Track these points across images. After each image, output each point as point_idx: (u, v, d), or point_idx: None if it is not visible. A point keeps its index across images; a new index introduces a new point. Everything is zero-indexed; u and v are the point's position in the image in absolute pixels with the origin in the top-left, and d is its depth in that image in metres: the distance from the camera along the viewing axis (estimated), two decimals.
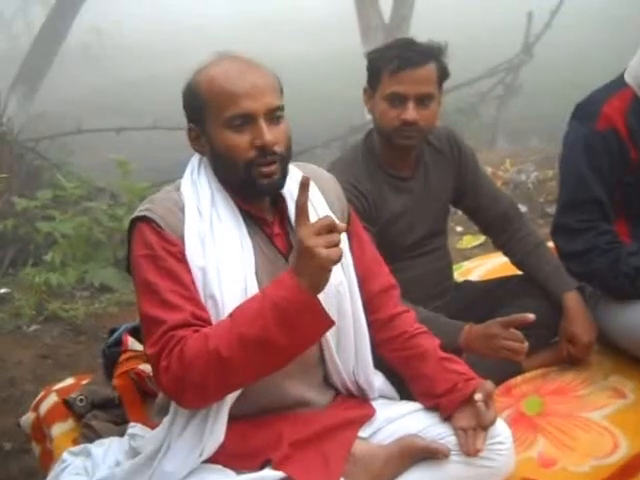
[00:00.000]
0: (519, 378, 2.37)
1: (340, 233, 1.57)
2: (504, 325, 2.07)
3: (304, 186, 1.59)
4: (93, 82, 12.53)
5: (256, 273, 1.73)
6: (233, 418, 1.71)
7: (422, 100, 2.24)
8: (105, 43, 15.27)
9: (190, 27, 16.55)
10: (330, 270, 1.57)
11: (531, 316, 2.00)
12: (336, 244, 1.55)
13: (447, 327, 2.24)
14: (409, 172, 2.41)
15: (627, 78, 2.32)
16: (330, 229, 1.56)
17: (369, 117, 2.43)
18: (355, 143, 2.48)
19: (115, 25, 15.83)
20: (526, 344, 2.04)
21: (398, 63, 2.22)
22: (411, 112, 2.22)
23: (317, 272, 1.56)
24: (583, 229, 2.31)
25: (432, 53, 2.26)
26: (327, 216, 1.60)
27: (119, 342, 2.34)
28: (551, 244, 2.50)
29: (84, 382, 2.41)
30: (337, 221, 1.59)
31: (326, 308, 1.69)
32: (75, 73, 12.58)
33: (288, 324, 1.57)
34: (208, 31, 15.77)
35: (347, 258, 1.85)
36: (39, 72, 9.77)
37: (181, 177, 1.82)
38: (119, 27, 16.01)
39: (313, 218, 1.62)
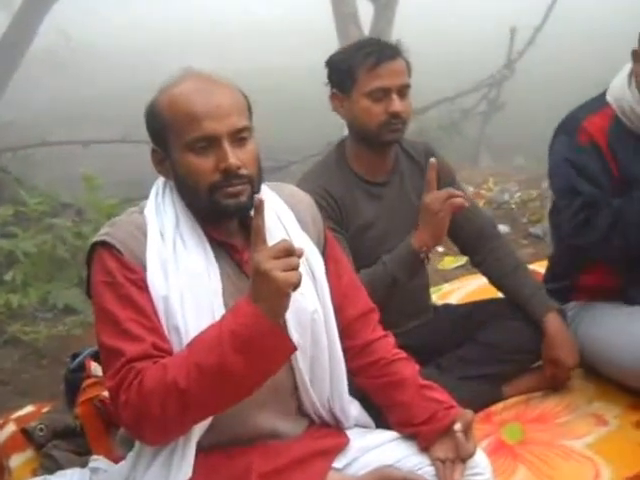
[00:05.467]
0: (500, 405, 2.34)
1: (299, 257, 1.51)
2: (439, 198, 2.18)
3: (258, 208, 1.53)
4: (60, 90, 12.31)
5: (224, 302, 1.65)
6: (203, 449, 1.64)
7: (402, 91, 2.27)
8: (74, 49, 15.07)
9: (165, 35, 16.41)
10: (289, 295, 1.51)
11: (432, 160, 2.20)
12: (294, 268, 1.49)
13: (399, 250, 2.27)
14: (384, 177, 2.39)
15: (608, 98, 2.31)
16: (288, 253, 1.49)
17: (347, 132, 2.41)
18: (328, 151, 2.47)
19: (84, 32, 15.63)
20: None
21: (375, 58, 2.25)
22: (398, 103, 2.26)
23: (275, 297, 1.50)
24: (583, 222, 2.26)
25: (399, 48, 2.32)
26: (284, 239, 1.55)
27: (82, 367, 2.27)
28: (531, 266, 2.47)
29: (45, 410, 2.36)
30: (295, 244, 1.52)
31: (300, 336, 1.64)
32: (41, 81, 12.38)
33: (247, 351, 1.51)
34: (184, 40, 15.64)
35: (323, 285, 1.78)
36: (1, 80, 9.60)
37: (148, 195, 1.75)
38: (88, 34, 15.82)
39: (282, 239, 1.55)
